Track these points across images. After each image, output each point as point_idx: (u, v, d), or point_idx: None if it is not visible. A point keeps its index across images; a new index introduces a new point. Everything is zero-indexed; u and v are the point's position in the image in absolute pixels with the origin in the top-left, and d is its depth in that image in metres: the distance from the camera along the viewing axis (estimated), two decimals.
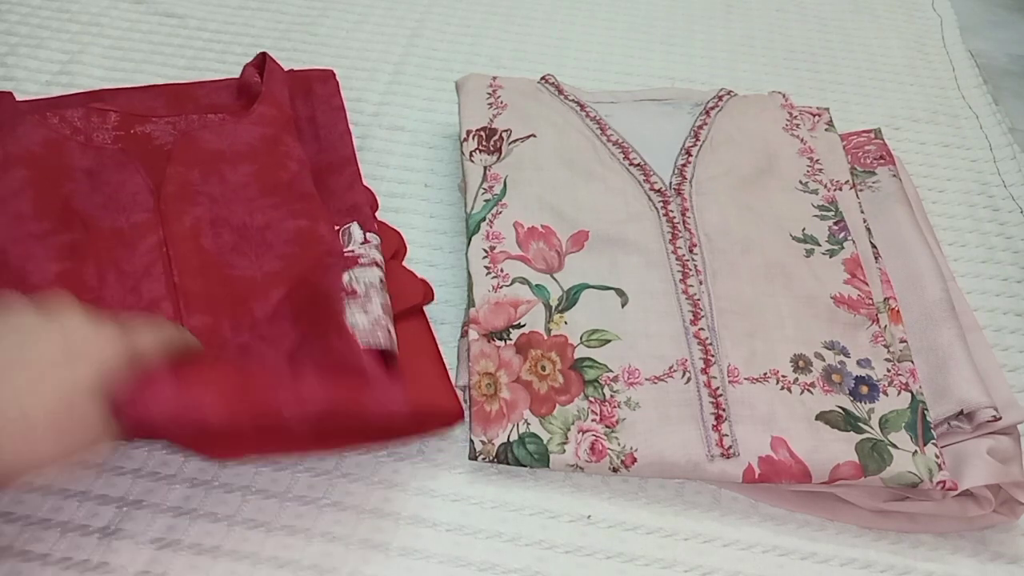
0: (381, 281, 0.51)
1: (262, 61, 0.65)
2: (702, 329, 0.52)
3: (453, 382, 0.51)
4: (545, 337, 0.52)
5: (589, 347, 0.51)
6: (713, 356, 0.51)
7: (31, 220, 0.51)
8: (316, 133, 0.63)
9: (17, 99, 0.60)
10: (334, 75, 0.67)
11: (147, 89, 0.64)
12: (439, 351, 0.52)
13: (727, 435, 0.48)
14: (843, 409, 0.49)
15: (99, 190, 0.54)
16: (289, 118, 0.61)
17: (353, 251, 0.53)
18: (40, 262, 0.50)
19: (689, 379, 0.50)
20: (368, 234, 0.54)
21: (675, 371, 0.50)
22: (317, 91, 0.66)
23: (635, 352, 0.51)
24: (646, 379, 0.50)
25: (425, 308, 0.54)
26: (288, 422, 0.41)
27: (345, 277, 0.50)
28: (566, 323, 0.52)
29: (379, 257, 0.53)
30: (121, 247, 0.51)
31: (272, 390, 0.42)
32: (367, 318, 0.48)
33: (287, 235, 0.53)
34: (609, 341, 0.52)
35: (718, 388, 0.49)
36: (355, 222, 0.55)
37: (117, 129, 0.58)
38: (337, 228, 0.55)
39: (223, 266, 0.51)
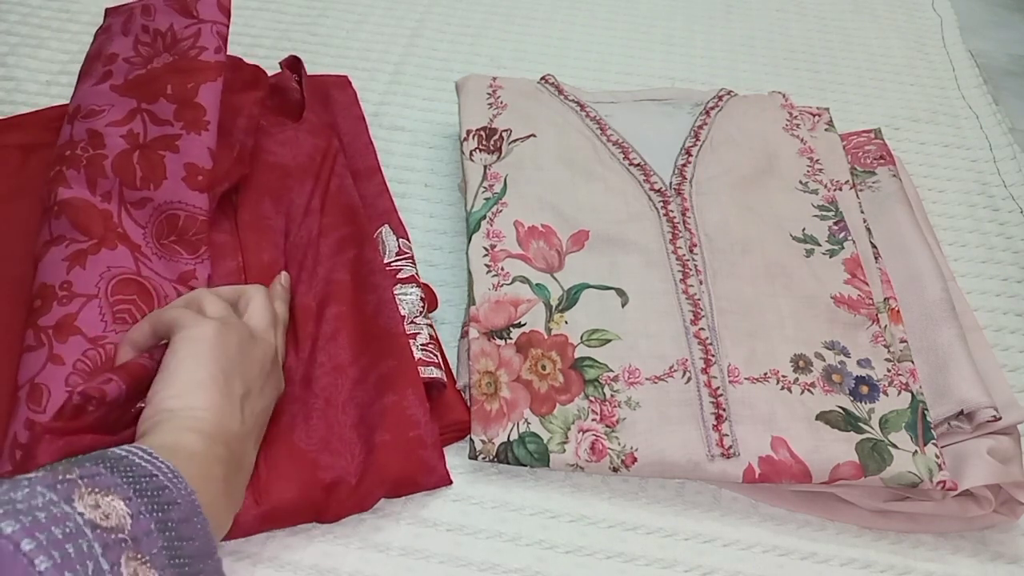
0: (422, 300, 0.52)
1: (293, 63, 0.65)
2: (702, 329, 0.52)
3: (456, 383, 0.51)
4: (545, 336, 0.52)
5: (589, 347, 0.51)
6: (713, 356, 0.51)
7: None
8: (339, 140, 0.63)
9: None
10: (350, 82, 0.68)
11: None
12: (446, 359, 0.52)
13: (727, 435, 0.48)
14: (843, 409, 0.49)
15: None
16: (327, 124, 0.61)
17: (390, 264, 0.53)
18: None
19: (689, 379, 0.50)
20: (401, 242, 0.55)
21: (675, 371, 0.50)
22: (335, 97, 0.66)
23: (635, 352, 0.51)
24: (646, 379, 0.50)
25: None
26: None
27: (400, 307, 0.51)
28: (566, 323, 0.52)
29: (415, 271, 0.54)
30: (212, 259, 0.52)
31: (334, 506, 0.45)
32: (418, 351, 0.49)
33: (341, 267, 0.53)
34: (609, 341, 0.52)
35: (718, 388, 0.49)
36: (386, 225, 0.56)
37: None
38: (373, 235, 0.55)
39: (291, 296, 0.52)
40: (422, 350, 0.49)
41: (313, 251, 0.53)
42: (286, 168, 0.57)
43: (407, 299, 0.51)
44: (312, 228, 0.55)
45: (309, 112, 0.61)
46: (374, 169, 0.61)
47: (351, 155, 0.62)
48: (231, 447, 0.38)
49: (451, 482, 0.47)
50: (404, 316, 0.50)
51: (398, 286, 0.52)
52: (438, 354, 0.50)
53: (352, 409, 0.47)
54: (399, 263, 0.53)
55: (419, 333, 0.50)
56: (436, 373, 0.49)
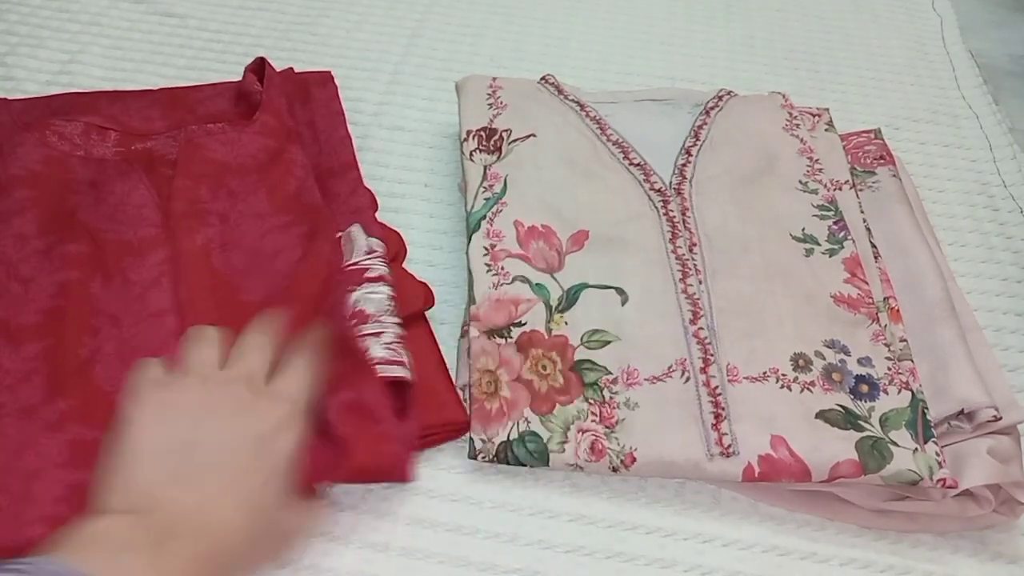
0: (391, 299, 0.50)
1: (260, 66, 0.64)
2: (701, 329, 0.52)
3: (454, 382, 0.51)
4: (546, 336, 0.52)
5: (589, 348, 0.51)
6: (712, 356, 0.51)
7: (35, 238, 0.51)
8: (316, 137, 0.62)
9: (10, 100, 0.60)
10: (332, 78, 0.67)
11: (141, 95, 0.64)
12: (442, 357, 0.52)
13: (726, 434, 0.48)
14: (843, 407, 0.49)
15: (104, 202, 0.53)
16: (290, 128, 0.60)
17: (358, 263, 0.52)
18: (45, 274, 0.49)
19: (688, 379, 0.50)
20: (372, 240, 0.53)
21: (674, 371, 0.50)
22: (315, 95, 0.65)
23: (634, 353, 0.51)
24: (645, 379, 0.50)
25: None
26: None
27: (352, 298, 0.49)
28: (566, 323, 0.52)
29: (385, 270, 0.52)
30: (129, 257, 0.51)
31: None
32: (381, 349, 0.48)
33: (296, 259, 0.52)
34: (609, 343, 0.52)
35: (717, 387, 0.49)
36: (356, 224, 0.54)
37: (117, 146, 0.57)
38: (339, 234, 0.54)
39: (233, 288, 0.51)
40: (386, 348, 0.48)
41: (270, 240, 0.52)
42: (226, 164, 0.56)
43: (375, 297, 0.50)
44: (263, 223, 0.53)
45: (266, 114, 0.60)
46: (349, 165, 0.60)
47: (326, 152, 0.61)
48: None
49: (409, 480, 0.46)
50: (370, 314, 0.49)
51: (365, 284, 0.50)
52: (405, 353, 0.48)
53: None
54: (368, 262, 0.52)
55: (384, 331, 0.48)
56: (400, 372, 0.47)
